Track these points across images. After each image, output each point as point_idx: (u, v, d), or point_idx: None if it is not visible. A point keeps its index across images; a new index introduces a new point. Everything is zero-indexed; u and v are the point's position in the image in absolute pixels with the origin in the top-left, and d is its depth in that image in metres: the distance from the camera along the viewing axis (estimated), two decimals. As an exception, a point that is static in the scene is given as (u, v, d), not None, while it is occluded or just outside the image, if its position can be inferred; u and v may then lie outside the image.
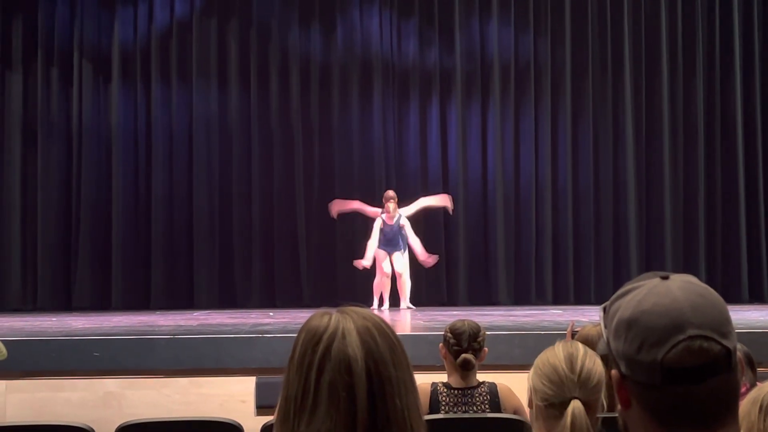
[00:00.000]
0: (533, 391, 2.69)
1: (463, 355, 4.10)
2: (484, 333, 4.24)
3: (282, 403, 1.58)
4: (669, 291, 1.34)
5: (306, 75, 13.08)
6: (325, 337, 1.57)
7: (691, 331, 1.30)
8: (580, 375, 2.60)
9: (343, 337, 1.56)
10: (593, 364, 2.66)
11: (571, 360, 2.63)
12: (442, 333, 4.26)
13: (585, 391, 2.60)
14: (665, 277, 1.37)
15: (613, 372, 1.38)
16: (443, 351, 4.20)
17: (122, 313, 11.23)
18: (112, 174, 12.71)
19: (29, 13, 12.74)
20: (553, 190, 13.19)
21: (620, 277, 12.78)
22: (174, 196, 12.82)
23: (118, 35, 12.86)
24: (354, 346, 1.55)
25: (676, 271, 1.43)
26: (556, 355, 2.67)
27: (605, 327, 1.42)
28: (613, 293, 1.42)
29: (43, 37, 12.73)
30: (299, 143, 12.97)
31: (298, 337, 1.62)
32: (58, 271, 12.58)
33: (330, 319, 1.61)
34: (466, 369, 4.12)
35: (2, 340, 1.38)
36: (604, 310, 1.43)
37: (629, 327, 1.34)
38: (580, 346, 2.72)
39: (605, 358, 1.50)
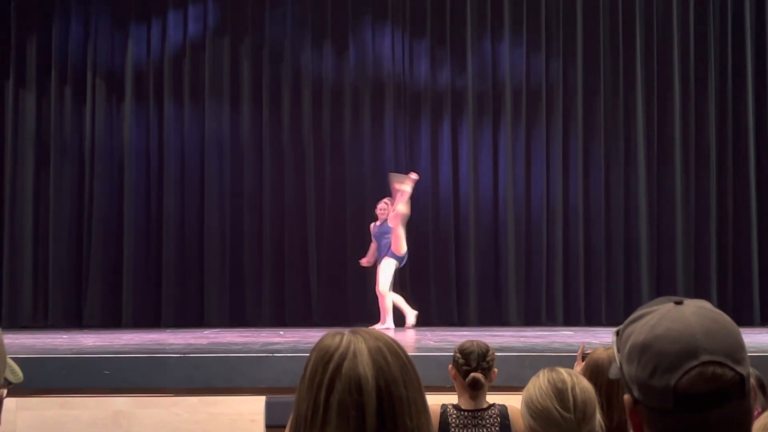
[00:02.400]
0: (530, 429, 2.67)
1: (472, 374, 4.09)
2: (494, 353, 4.23)
3: (293, 422, 1.58)
4: (683, 316, 1.34)
5: (318, 95, 13.11)
6: (336, 356, 1.57)
7: (705, 357, 1.30)
8: (575, 411, 2.58)
9: (354, 356, 1.56)
10: (583, 391, 2.63)
11: (561, 398, 2.60)
12: (448, 354, 4.25)
13: (585, 425, 2.59)
14: (679, 302, 1.37)
15: (626, 397, 1.38)
16: (452, 372, 4.19)
17: (133, 331, 11.23)
18: (123, 192, 12.75)
19: (43, 32, 12.82)
20: (564, 211, 13.17)
21: (631, 298, 12.74)
22: (185, 214, 12.85)
23: (131, 54, 12.93)
24: (365, 365, 1.55)
25: (687, 292, 1.43)
26: (544, 393, 2.63)
27: (618, 351, 1.41)
28: (624, 314, 1.43)
29: (56, 56, 12.80)
30: (311, 163, 12.99)
31: (309, 356, 1.62)
32: (69, 288, 12.60)
33: (342, 338, 1.61)
34: (475, 388, 4.11)
35: (15, 360, 1.39)
36: (617, 334, 1.43)
37: (642, 352, 1.34)
38: (564, 375, 2.68)
39: (617, 382, 1.49)
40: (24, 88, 12.75)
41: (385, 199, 11.65)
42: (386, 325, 11.13)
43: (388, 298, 11.36)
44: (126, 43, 12.95)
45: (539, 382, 2.67)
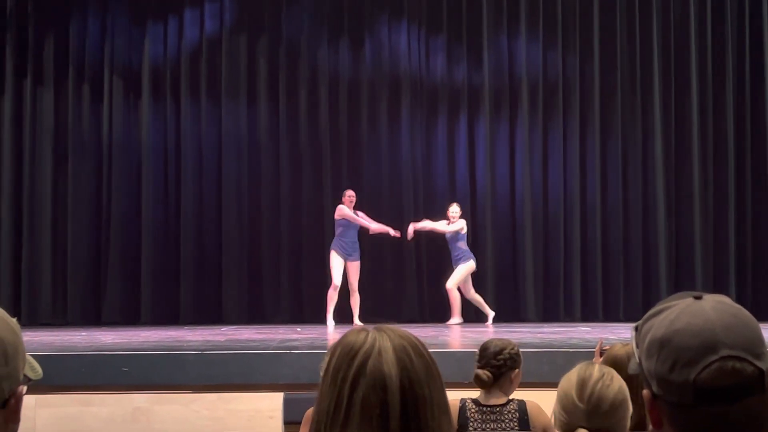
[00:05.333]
0: (553, 415, 2.69)
1: (476, 371, 4.11)
2: (513, 353, 4.20)
3: (315, 416, 1.59)
4: (702, 311, 1.34)
5: (334, 92, 13.12)
6: (361, 353, 1.57)
7: (724, 352, 1.30)
8: (588, 402, 2.59)
9: (379, 354, 1.56)
10: (607, 389, 2.63)
11: (582, 387, 2.61)
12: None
13: (595, 419, 2.59)
14: (698, 297, 1.37)
15: (645, 392, 1.37)
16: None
17: (151, 328, 11.28)
18: (141, 190, 12.80)
19: (61, 30, 12.87)
20: (581, 207, 13.15)
21: (649, 294, 12.71)
22: (203, 211, 12.89)
23: (148, 52, 12.97)
24: (390, 363, 1.55)
25: (706, 287, 1.43)
26: (570, 379, 2.66)
27: (637, 346, 1.41)
28: (642, 310, 1.42)
29: (74, 54, 12.85)
30: (328, 160, 13.01)
31: (333, 352, 1.62)
32: (88, 286, 12.66)
33: (367, 335, 1.61)
34: (480, 386, 4.12)
35: (34, 357, 1.40)
36: (636, 329, 1.42)
37: (662, 346, 1.34)
38: (596, 369, 2.68)
39: (636, 378, 1.49)
40: (42, 86, 12.80)
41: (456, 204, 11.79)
42: (457, 319, 11.75)
43: (455, 293, 11.81)
44: (143, 40, 12.99)
45: (573, 372, 2.70)
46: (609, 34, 13.25)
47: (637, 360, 1.40)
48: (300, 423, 4.31)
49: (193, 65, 13.05)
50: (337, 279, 11.52)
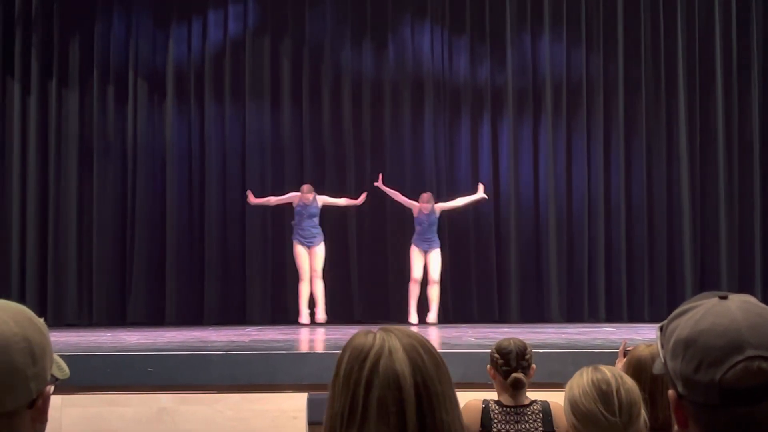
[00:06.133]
0: (574, 428, 2.65)
1: (513, 375, 4.07)
2: (531, 350, 4.20)
3: (328, 421, 1.60)
4: (727, 311, 1.33)
5: (358, 92, 13.14)
6: (372, 354, 1.59)
7: (750, 352, 1.29)
8: (621, 415, 2.56)
9: (390, 353, 1.58)
10: (628, 392, 2.61)
11: (607, 401, 2.58)
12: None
13: (630, 426, 2.57)
14: (724, 297, 1.36)
15: (670, 392, 1.37)
16: (491, 372, 4.17)
17: (176, 329, 11.32)
18: (166, 191, 12.85)
19: (86, 32, 12.94)
20: (605, 207, 13.10)
21: (674, 294, 12.65)
22: (227, 212, 12.92)
23: (172, 54, 13.03)
24: (401, 362, 1.57)
25: (731, 288, 1.42)
26: (589, 395, 2.60)
27: (662, 346, 1.41)
28: (667, 311, 1.42)
29: (99, 56, 12.92)
30: (351, 160, 13.02)
31: (342, 356, 1.64)
32: (113, 286, 12.73)
33: (375, 337, 1.63)
34: (516, 388, 4.09)
35: (61, 357, 1.41)
36: (661, 329, 1.42)
37: (687, 347, 1.33)
38: (608, 375, 2.65)
39: (661, 378, 1.48)
40: (67, 87, 12.88)
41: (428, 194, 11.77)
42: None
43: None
44: (167, 42, 13.05)
45: (583, 383, 2.63)
46: (633, 31, 13.20)
47: (662, 360, 1.40)
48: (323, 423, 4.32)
49: (217, 67, 13.09)
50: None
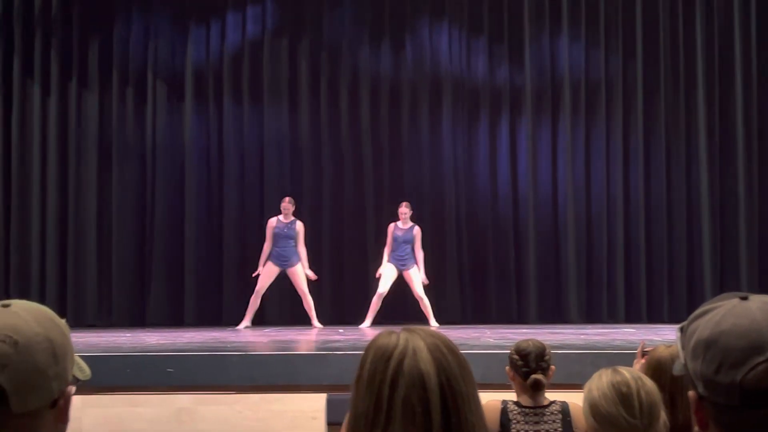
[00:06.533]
0: (593, 430, 2.64)
1: (534, 376, 4.06)
2: (550, 351, 4.19)
3: (351, 422, 1.59)
4: (748, 311, 1.33)
5: (376, 93, 13.14)
6: (396, 354, 1.58)
7: (771, 353, 1.29)
8: (641, 417, 2.55)
9: (414, 353, 1.58)
10: (648, 395, 2.59)
11: (627, 404, 2.57)
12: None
13: (651, 428, 2.56)
14: (744, 298, 1.36)
15: (691, 393, 1.36)
16: (510, 373, 4.16)
17: (195, 329, 11.36)
18: (185, 192, 12.89)
19: (105, 34, 13.00)
20: (625, 208, 13.06)
21: (694, 295, 12.59)
22: (245, 213, 12.95)
23: (191, 55, 13.07)
24: (426, 362, 1.57)
25: (751, 288, 1.41)
26: (609, 398, 2.59)
27: (683, 347, 1.40)
28: (687, 311, 1.42)
29: (118, 58, 12.98)
30: (369, 161, 13.03)
31: (365, 356, 1.63)
32: (132, 287, 12.78)
33: (398, 337, 1.62)
34: (536, 389, 4.09)
35: (81, 358, 1.42)
36: (682, 330, 1.41)
37: (707, 348, 1.33)
38: (627, 377, 2.63)
39: (681, 379, 1.48)
40: (86, 89, 12.94)
41: (406, 203, 11.72)
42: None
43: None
44: (186, 44, 13.09)
45: (602, 385, 2.62)
46: (652, 31, 13.15)
47: (683, 361, 1.39)
48: (342, 424, 4.32)
49: (235, 68, 13.12)
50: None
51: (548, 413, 4.07)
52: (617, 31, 13.19)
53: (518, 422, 4.06)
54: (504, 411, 4.08)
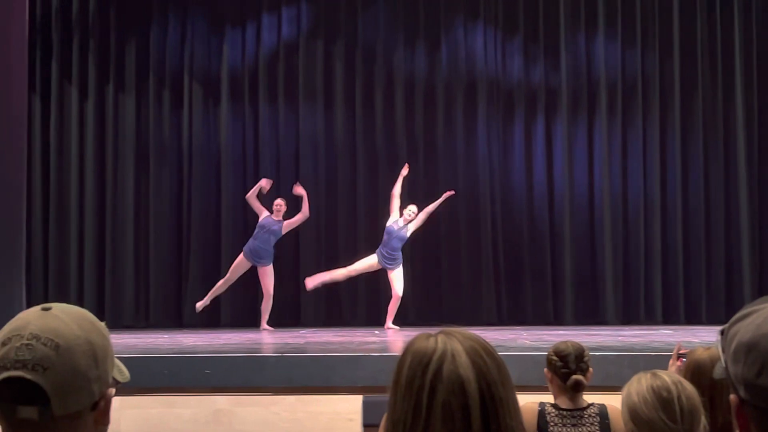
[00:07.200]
0: None
1: (574, 377, 4.04)
2: (588, 353, 4.17)
3: (389, 427, 1.57)
4: (790, 315, 1.31)
5: (411, 94, 13.14)
6: (435, 358, 1.56)
7: (813, 356, 1.27)
8: (683, 422, 2.53)
9: (453, 358, 1.56)
10: (689, 399, 2.57)
11: (668, 408, 2.54)
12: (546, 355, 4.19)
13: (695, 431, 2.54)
14: (786, 301, 1.34)
15: (732, 397, 1.35)
16: (549, 375, 4.14)
17: (231, 331, 11.41)
18: (221, 193, 12.96)
19: (142, 38, 13.10)
20: (662, 208, 12.97)
21: (732, 296, 12.48)
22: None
23: (226, 58, 13.13)
24: (465, 366, 1.55)
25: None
26: (649, 402, 2.56)
27: (723, 351, 1.39)
28: (726, 313, 1.41)
29: (154, 61, 13.08)
30: (404, 162, 13.00)
31: (402, 361, 1.61)
32: (169, 288, 12.86)
33: (436, 341, 1.60)
34: (576, 390, 4.07)
35: (119, 359, 1.43)
36: (722, 333, 1.40)
37: (749, 351, 1.31)
38: (668, 382, 2.61)
39: (722, 382, 1.47)
40: (123, 92, 13.05)
41: (416, 206, 11.62)
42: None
43: None
44: (222, 46, 13.16)
45: (642, 390, 2.60)
46: (689, 30, 13.05)
47: (724, 365, 1.38)
48: (379, 426, 4.33)
49: (270, 70, 13.17)
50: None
51: (586, 416, 4.05)
52: (654, 28, 13.10)
53: (556, 425, 4.04)
54: (542, 413, 4.06)
